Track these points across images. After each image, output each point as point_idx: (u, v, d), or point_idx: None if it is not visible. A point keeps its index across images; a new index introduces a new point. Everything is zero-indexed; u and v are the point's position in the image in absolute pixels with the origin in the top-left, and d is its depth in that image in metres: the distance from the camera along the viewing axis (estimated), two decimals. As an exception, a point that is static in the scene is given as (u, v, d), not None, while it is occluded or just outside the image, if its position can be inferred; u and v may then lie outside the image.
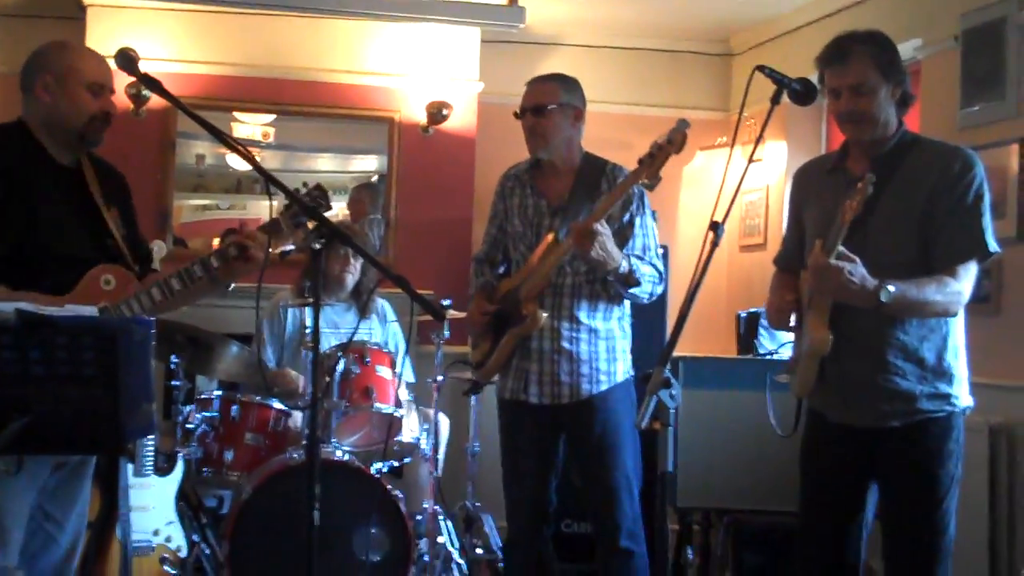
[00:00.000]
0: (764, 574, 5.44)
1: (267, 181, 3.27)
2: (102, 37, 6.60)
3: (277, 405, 5.28)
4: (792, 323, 3.65)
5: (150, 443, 4.72)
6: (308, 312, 5.37)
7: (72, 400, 2.64)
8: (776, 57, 6.79)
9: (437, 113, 6.99)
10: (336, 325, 5.66)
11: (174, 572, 4.74)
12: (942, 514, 3.43)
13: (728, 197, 3.24)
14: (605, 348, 4.24)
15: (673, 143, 3.83)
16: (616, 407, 4.23)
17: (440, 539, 5.43)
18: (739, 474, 5.23)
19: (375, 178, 7.33)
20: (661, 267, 4.23)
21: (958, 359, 3.48)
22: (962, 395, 3.48)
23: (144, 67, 3.29)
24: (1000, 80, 5.15)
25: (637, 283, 4.08)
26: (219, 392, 5.37)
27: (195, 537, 4.91)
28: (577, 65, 7.28)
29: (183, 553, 4.78)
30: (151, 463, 4.73)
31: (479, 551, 5.72)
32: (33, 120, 3.38)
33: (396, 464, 5.60)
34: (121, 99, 6.55)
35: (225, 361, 5.17)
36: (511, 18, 6.92)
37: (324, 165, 7.59)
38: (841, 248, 3.20)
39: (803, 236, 3.67)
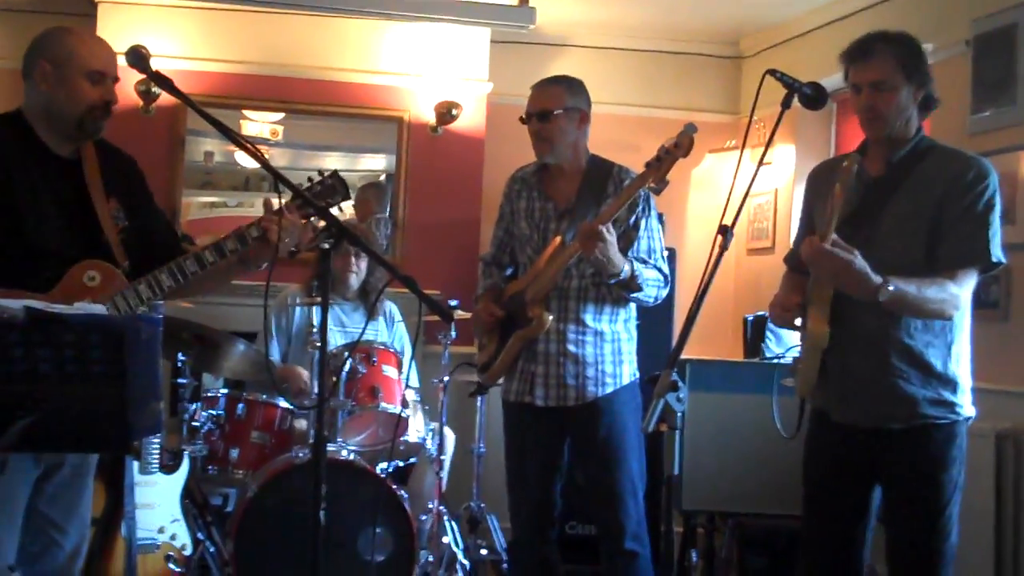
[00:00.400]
0: (768, 577, 5.44)
1: (275, 179, 3.26)
2: (112, 34, 6.59)
3: (283, 404, 5.28)
4: (797, 323, 3.64)
5: (156, 441, 4.71)
6: (316, 311, 5.37)
7: (80, 398, 2.63)
8: (786, 60, 6.79)
9: (446, 113, 6.99)
10: (343, 324, 5.66)
11: (179, 570, 4.74)
12: (945, 520, 3.43)
13: (737, 200, 3.23)
14: (611, 351, 4.24)
15: (680, 147, 3.83)
16: (621, 409, 4.23)
17: (444, 540, 5.43)
18: (744, 477, 5.22)
19: (383, 177, 7.33)
20: (667, 270, 4.22)
21: (962, 368, 3.47)
22: (966, 404, 3.47)
23: (154, 64, 3.26)
24: (1011, 85, 5.14)
25: (639, 288, 4.07)
26: (225, 390, 5.37)
27: (200, 535, 4.91)
28: (587, 66, 7.31)
29: (188, 551, 4.78)
30: (157, 461, 4.73)
31: (483, 552, 5.72)
32: (32, 109, 3.32)
33: (402, 464, 5.60)
34: (131, 96, 6.58)
35: (231, 359, 5.16)
36: (521, 19, 6.91)
37: (332, 164, 7.57)
38: (835, 237, 3.20)
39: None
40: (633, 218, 4.16)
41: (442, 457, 5.46)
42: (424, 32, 7.05)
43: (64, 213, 3.27)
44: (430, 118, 7.06)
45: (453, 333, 5.59)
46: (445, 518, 5.46)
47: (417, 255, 6.99)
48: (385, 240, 7.00)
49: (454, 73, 7.09)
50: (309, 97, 7.01)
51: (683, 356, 3.19)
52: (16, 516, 3.15)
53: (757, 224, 7.39)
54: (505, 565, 5.52)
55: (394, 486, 4.90)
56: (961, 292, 3.37)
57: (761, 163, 3.42)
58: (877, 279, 3.21)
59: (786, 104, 3.38)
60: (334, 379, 4.96)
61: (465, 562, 5.47)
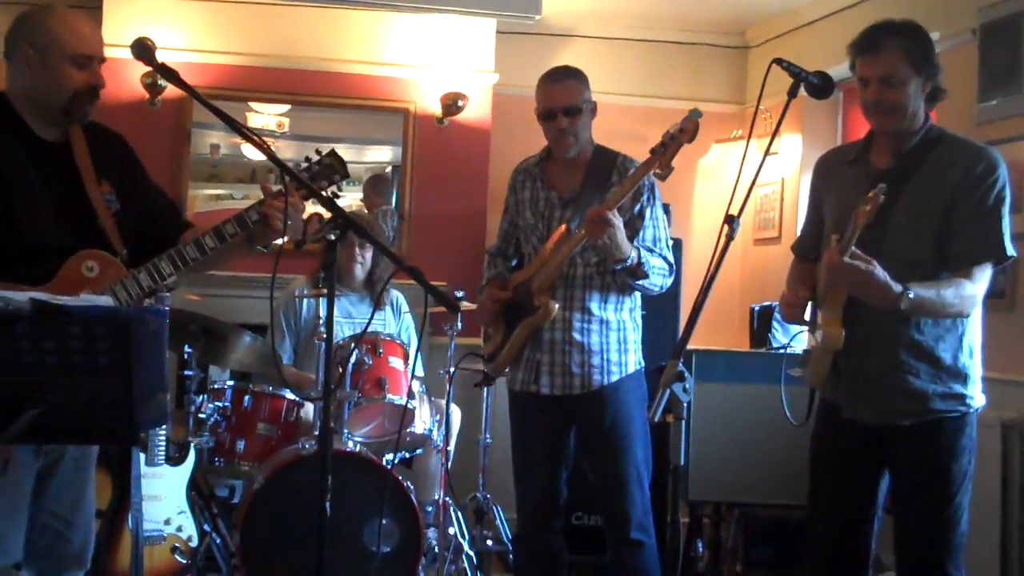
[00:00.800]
0: (774, 567, 5.45)
1: (282, 171, 3.25)
2: (119, 26, 6.60)
3: (289, 395, 5.29)
4: (806, 316, 3.64)
5: (162, 432, 4.72)
6: (323, 302, 5.38)
7: (86, 389, 2.62)
8: (792, 50, 6.77)
9: (452, 104, 6.98)
10: (350, 315, 5.67)
11: (185, 562, 4.75)
12: (954, 508, 3.42)
13: (743, 190, 3.23)
14: (616, 339, 4.24)
15: (685, 132, 3.82)
16: (627, 398, 4.23)
17: (451, 530, 5.43)
18: (750, 468, 5.23)
19: (388, 169, 7.34)
20: (671, 259, 4.22)
21: (973, 359, 3.47)
22: (976, 395, 3.47)
23: (160, 57, 3.21)
24: (1018, 74, 5.13)
25: (645, 275, 4.07)
26: (231, 382, 5.37)
27: (206, 527, 4.93)
28: (592, 57, 7.31)
29: (194, 543, 4.79)
30: (163, 452, 4.73)
31: (489, 543, 5.72)
32: (16, 93, 3.21)
33: (408, 455, 5.60)
34: (137, 88, 6.59)
35: (238, 351, 5.18)
36: (527, 9, 6.91)
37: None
38: (855, 250, 3.18)
39: (822, 225, 3.66)
40: (638, 207, 4.16)
41: (448, 448, 5.47)
42: (430, 23, 7.04)
43: (57, 201, 3.19)
44: (436, 109, 7.06)
45: (459, 324, 5.59)
46: (451, 508, 5.46)
47: (423, 246, 7.00)
48: (392, 232, 7.00)
49: (460, 64, 7.08)
50: (315, 89, 7.01)
51: (689, 346, 3.19)
52: (21, 513, 3.13)
53: (763, 214, 7.38)
54: (511, 556, 5.52)
55: (400, 477, 4.90)
56: (978, 289, 3.36)
57: (767, 153, 3.42)
58: (897, 288, 3.20)
59: (792, 93, 3.38)
60: (340, 370, 4.96)
61: (471, 553, 5.47)
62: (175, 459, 4.83)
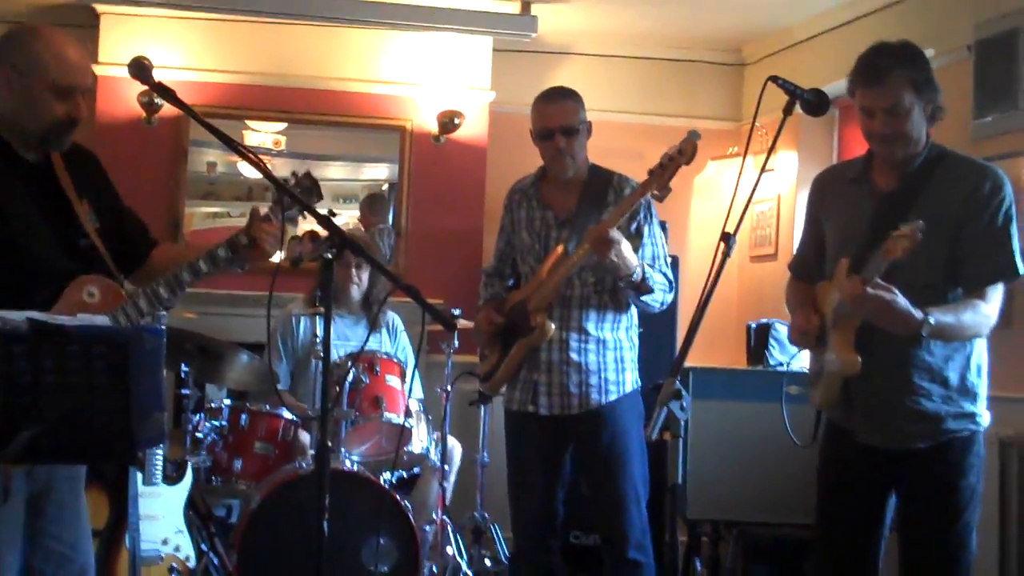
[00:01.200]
0: (773, 586, 5.43)
1: (278, 189, 3.26)
2: (115, 45, 6.63)
3: (286, 414, 5.28)
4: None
5: (159, 452, 4.71)
6: (319, 321, 5.37)
7: (83, 409, 2.62)
8: (788, 67, 6.79)
9: (449, 122, 6.99)
10: (346, 338, 5.66)
11: (183, 581, 4.74)
12: (962, 526, 3.40)
13: (739, 207, 3.23)
14: (614, 358, 4.24)
15: (683, 154, 3.83)
16: (624, 417, 4.23)
17: (448, 550, 5.42)
18: (749, 486, 5.22)
19: (385, 187, 7.34)
20: (671, 275, 4.23)
21: (981, 377, 3.46)
22: (984, 412, 3.46)
23: (157, 75, 3.19)
24: (1013, 90, 5.13)
25: (650, 290, 4.08)
26: (228, 401, 5.36)
27: (204, 546, 4.91)
28: (589, 74, 7.33)
29: (192, 563, 4.77)
30: (160, 472, 4.72)
31: (487, 562, 5.71)
32: None
33: (405, 475, 5.59)
34: (133, 107, 6.61)
35: (235, 370, 5.16)
36: (523, 27, 6.91)
37: (335, 173, 7.59)
38: (877, 280, 3.15)
39: (821, 244, 3.65)
40: (635, 225, 4.16)
41: (446, 467, 5.46)
42: (426, 41, 7.05)
43: (49, 223, 3.15)
44: (433, 127, 7.07)
45: (456, 342, 5.59)
46: (449, 528, 5.45)
47: (420, 264, 7.00)
48: (388, 250, 7.01)
49: (456, 82, 7.09)
50: (312, 107, 7.02)
51: (686, 364, 3.19)
52: (17, 539, 3.09)
53: (760, 231, 7.38)
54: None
55: (398, 496, 4.90)
56: (992, 309, 3.36)
57: (763, 170, 3.42)
58: (919, 315, 3.18)
59: (788, 111, 3.38)
60: (337, 389, 4.96)
61: (469, 572, 5.46)
62: (172, 478, 4.82)
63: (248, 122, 7.13)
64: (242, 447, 5.19)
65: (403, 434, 5.10)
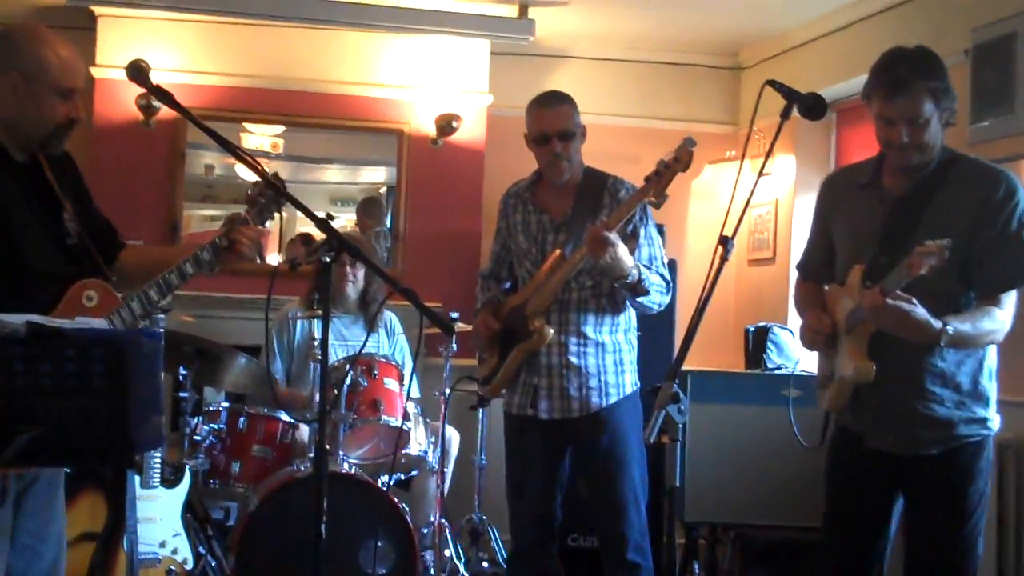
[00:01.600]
0: (771, 589, 5.43)
1: (275, 192, 3.27)
2: (113, 48, 6.63)
3: (284, 417, 5.28)
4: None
5: (157, 455, 4.71)
6: (316, 324, 5.37)
7: (81, 412, 2.62)
8: (785, 71, 6.79)
9: (446, 125, 7.00)
10: (344, 337, 5.66)
11: (180, 584, 4.74)
12: (969, 531, 3.40)
13: (737, 211, 3.23)
14: (613, 361, 4.24)
15: (679, 162, 3.83)
16: (623, 419, 4.24)
17: (446, 552, 5.42)
18: (746, 488, 5.23)
19: (383, 190, 7.34)
20: (668, 277, 4.23)
21: (992, 381, 3.46)
22: (995, 417, 3.45)
23: (154, 78, 3.20)
24: (1010, 95, 5.13)
25: (646, 292, 4.08)
26: (226, 404, 5.36)
27: (201, 549, 4.91)
28: (586, 78, 7.33)
29: (189, 565, 4.77)
30: (158, 475, 4.72)
31: (485, 564, 5.71)
32: None
33: (403, 477, 5.59)
34: (131, 110, 6.60)
35: (233, 373, 5.17)
36: (521, 30, 6.91)
37: (333, 176, 7.59)
38: (897, 291, 3.15)
39: (829, 246, 3.65)
40: (630, 227, 4.16)
41: (445, 469, 5.46)
42: (424, 44, 7.06)
43: (43, 224, 3.16)
44: (430, 130, 7.07)
45: (454, 346, 5.59)
46: (447, 530, 5.45)
47: (418, 267, 6.99)
48: (385, 253, 7.01)
49: (454, 85, 7.09)
50: (309, 110, 7.02)
51: (684, 367, 3.19)
52: (6, 539, 3.09)
53: (757, 235, 7.39)
54: (507, 578, 5.52)
55: (395, 499, 4.90)
56: (1008, 315, 3.35)
57: (761, 174, 3.42)
58: (937, 324, 3.18)
59: (785, 114, 3.37)
60: (335, 392, 4.96)
61: (466, 574, 5.46)
62: (170, 481, 4.81)
63: (246, 125, 7.13)
64: (240, 450, 5.19)
65: (401, 436, 5.09)
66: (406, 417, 5.12)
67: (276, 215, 3.42)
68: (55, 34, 3.19)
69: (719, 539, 5.64)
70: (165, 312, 4.31)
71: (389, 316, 5.93)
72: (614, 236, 3.89)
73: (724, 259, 3.14)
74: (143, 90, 3.21)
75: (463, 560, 5.55)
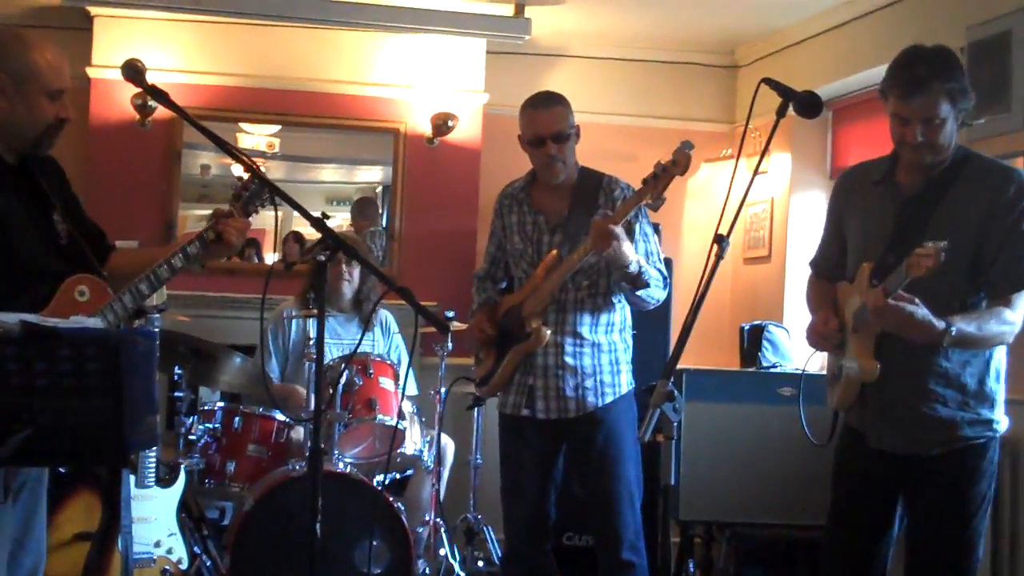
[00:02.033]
0: (766, 588, 5.44)
1: (271, 192, 3.28)
2: (108, 48, 6.62)
3: (280, 417, 5.27)
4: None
5: (152, 454, 4.71)
6: (312, 323, 5.37)
7: (76, 412, 2.62)
8: (781, 69, 6.79)
9: (442, 124, 6.99)
10: (339, 335, 5.66)
11: (176, 583, 4.73)
12: (970, 533, 3.40)
13: (733, 210, 3.22)
14: (609, 360, 4.24)
15: (677, 165, 3.83)
16: (619, 419, 4.24)
17: (441, 552, 5.42)
18: (741, 487, 5.23)
19: (379, 189, 7.34)
20: (665, 272, 4.23)
21: (999, 382, 3.44)
22: (1002, 418, 3.44)
23: (150, 78, 3.23)
24: (1006, 92, 5.13)
25: (646, 285, 4.08)
26: (222, 403, 5.36)
27: (196, 549, 4.90)
28: (582, 77, 7.33)
29: (184, 565, 4.76)
30: (153, 474, 4.72)
31: (480, 564, 5.71)
32: None
33: (398, 477, 5.59)
34: (127, 109, 6.60)
35: (228, 372, 5.17)
36: (517, 29, 6.91)
37: (329, 176, 7.60)
38: (899, 292, 3.15)
39: (842, 243, 3.65)
40: (625, 223, 4.16)
41: (440, 469, 5.46)
42: (420, 44, 7.05)
43: (35, 223, 3.21)
44: (426, 130, 7.06)
45: (450, 345, 5.59)
46: (442, 530, 5.45)
47: (414, 267, 6.99)
48: (381, 252, 7.01)
49: (450, 84, 7.09)
50: (305, 109, 7.01)
51: (679, 366, 3.19)
52: (7, 541, 3.11)
53: (753, 233, 7.39)
54: (502, 577, 5.52)
55: (391, 498, 4.89)
56: (1018, 316, 3.33)
57: (757, 172, 3.41)
58: (940, 325, 3.17)
59: (781, 113, 3.36)
60: (331, 391, 4.96)
61: (461, 574, 5.47)
62: (165, 481, 4.81)
63: (242, 124, 7.12)
64: (235, 449, 5.18)
65: (396, 436, 5.09)
66: (401, 416, 5.12)
67: (260, 209, 3.45)
68: (40, 38, 3.26)
69: (714, 538, 5.65)
70: (160, 311, 4.31)
71: (385, 314, 5.93)
72: (619, 229, 3.90)
73: (720, 257, 3.13)
74: (139, 90, 3.26)
75: (458, 560, 5.55)
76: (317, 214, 3.18)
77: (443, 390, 5.59)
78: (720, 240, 3.15)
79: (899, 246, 3.30)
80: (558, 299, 4.19)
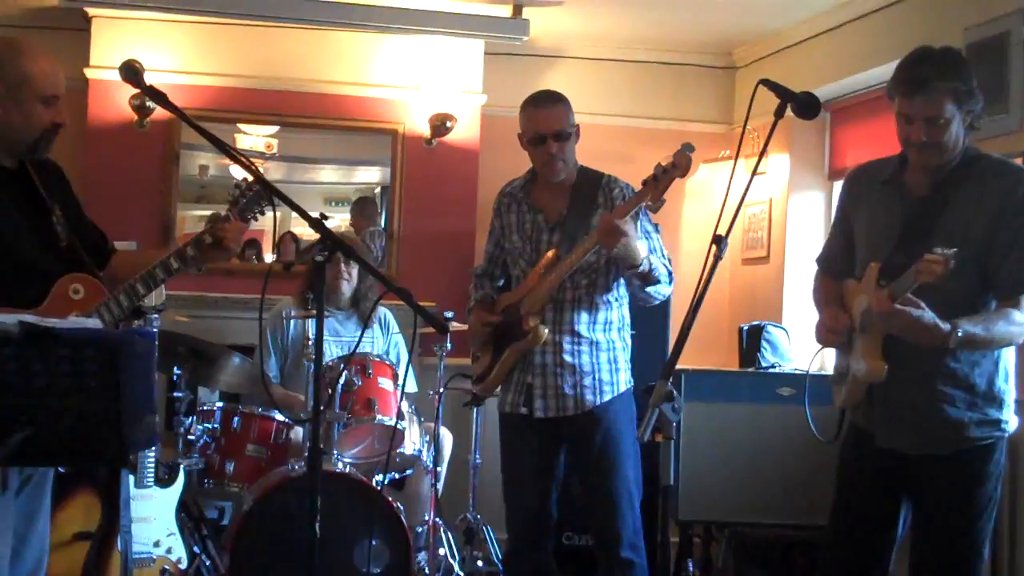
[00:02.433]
0: (765, 587, 5.43)
1: (270, 193, 3.29)
2: (107, 48, 6.62)
3: (279, 417, 5.28)
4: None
5: (151, 454, 4.71)
6: (310, 322, 5.37)
7: (75, 412, 2.63)
8: (779, 70, 6.80)
9: (441, 125, 7.00)
10: (338, 334, 5.67)
11: (175, 583, 4.74)
12: (976, 533, 3.40)
13: (731, 210, 3.23)
14: (607, 359, 4.25)
15: (677, 167, 3.83)
16: (617, 417, 4.24)
17: (441, 551, 5.42)
18: (741, 487, 5.23)
19: (377, 190, 7.35)
20: (670, 267, 4.22)
21: (1008, 382, 3.43)
22: (1011, 419, 3.43)
23: (148, 79, 3.26)
24: (1003, 94, 5.14)
25: (656, 281, 4.09)
26: (221, 403, 5.36)
27: (196, 549, 4.91)
28: (580, 78, 7.33)
29: (184, 565, 4.77)
30: (152, 474, 4.72)
31: (480, 563, 5.71)
32: None
33: (397, 476, 5.59)
34: (125, 110, 6.59)
35: (227, 372, 5.17)
36: (515, 31, 6.91)
37: (328, 177, 7.60)
38: (908, 295, 3.15)
39: (850, 241, 3.65)
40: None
41: (438, 468, 5.46)
42: (418, 45, 7.05)
43: (32, 225, 3.25)
44: (424, 130, 7.07)
45: (448, 344, 5.60)
46: (441, 529, 5.46)
47: (412, 267, 7.00)
48: (379, 252, 7.01)
49: (448, 85, 7.09)
50: (304, 110, 7.02)
51: (678, 366, 3.19)
52: (9, 531, 3.13)
53: (752, 234, 7.39)
54: (502, 576, 5.52)
55: (390, 498, 4.90)
56: None
57: (755, 173, 3.41)
58: (946, 327, 3.17)
59: (779, 114, 3.36)
60: (330, 391, 4.96)
61: (461, 573, 5.47)
62: (164, 481, 4.82)
63: (240, 125, 7.12)
64: (234, 449, 5.19)
65: (395, 436, 5.10)
66: (400, 416, 5.12)
67: (259, 215, 3.46)
68: (34, 45, 3.33)
69: (713, 537, 5.65)
70: (159, 312, 4.32)
71: (384, 312, 5.93)
72: (628, 226, 3.90)
73: (718, 258, 3.13)
74: (137, 91, 3.29)
75: (458, 559, 5.55)
76: (316, 215, 3.18)
77: (442, 390, 5.59)
78: (719, 241, 3.15)
79: (906, 247, 3.30)
80: (556, 298, 4.19)
